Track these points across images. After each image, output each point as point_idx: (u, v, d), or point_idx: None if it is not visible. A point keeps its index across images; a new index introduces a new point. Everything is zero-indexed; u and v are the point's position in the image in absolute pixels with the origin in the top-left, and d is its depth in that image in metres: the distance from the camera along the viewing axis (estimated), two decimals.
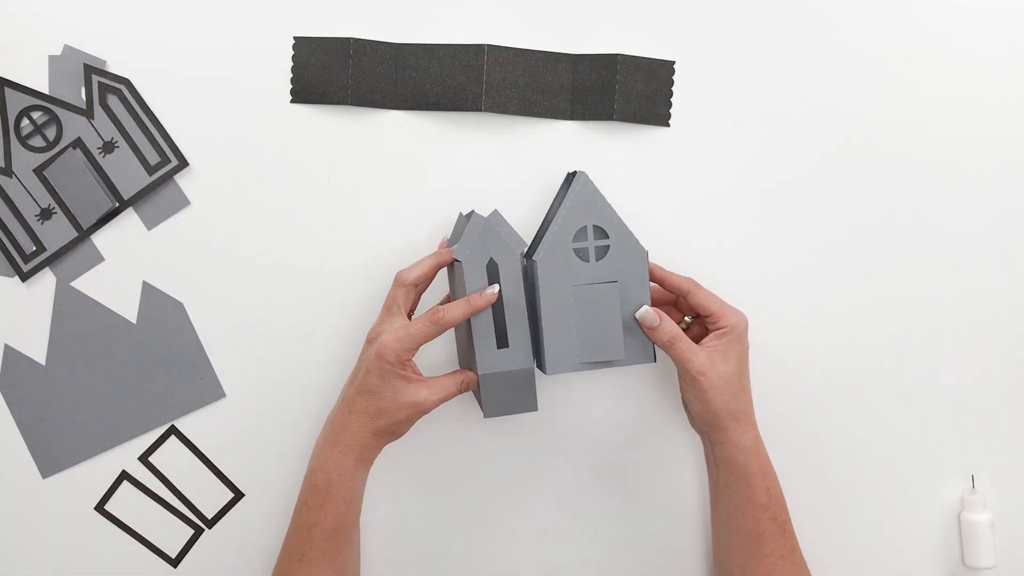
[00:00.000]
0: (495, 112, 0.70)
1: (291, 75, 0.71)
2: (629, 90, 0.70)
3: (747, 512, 0.64)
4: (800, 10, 0.70)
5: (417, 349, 0.63)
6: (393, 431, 0.65)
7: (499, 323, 0.64)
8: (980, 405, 0.72)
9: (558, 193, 0.68)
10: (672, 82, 0.71)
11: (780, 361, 0.72)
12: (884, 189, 0.71)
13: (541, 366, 0.65)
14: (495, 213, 0.64)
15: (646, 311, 0.64)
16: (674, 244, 0.71)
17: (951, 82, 0.70)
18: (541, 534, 0.73)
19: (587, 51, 0.70)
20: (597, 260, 0.64)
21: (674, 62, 0.71)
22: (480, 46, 0.70)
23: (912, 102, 0.71)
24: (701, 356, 0.63)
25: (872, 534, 0.72)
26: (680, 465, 0.72)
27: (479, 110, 0.70)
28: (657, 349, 0.65)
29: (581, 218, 0.64)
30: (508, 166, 0.71)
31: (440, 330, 0.63)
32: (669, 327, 0.64)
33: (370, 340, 0.66)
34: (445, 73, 0.70)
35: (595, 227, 0.64)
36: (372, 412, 0.63)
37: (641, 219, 0.71)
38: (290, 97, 0.71)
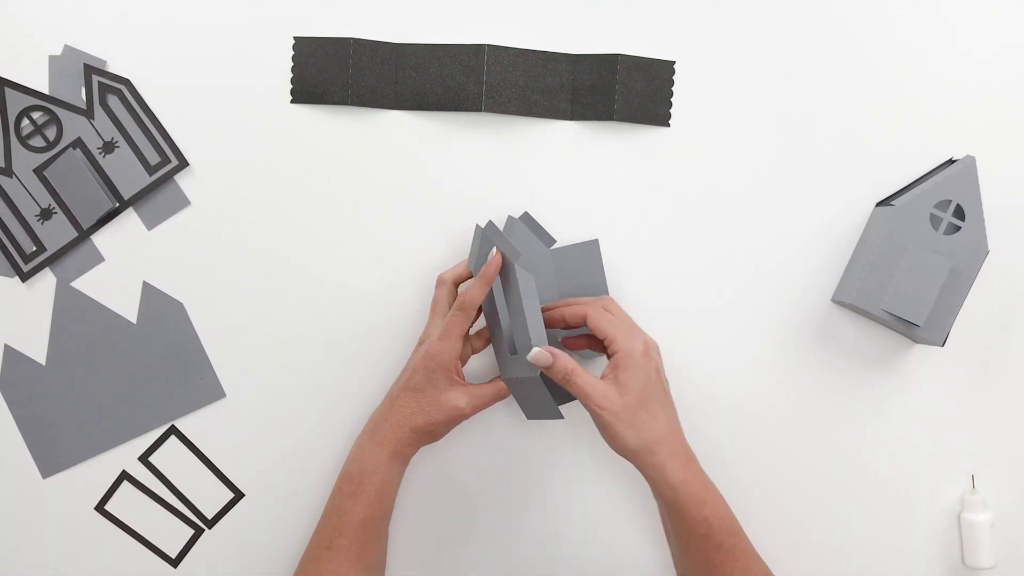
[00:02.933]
0: (495, 112, 0.70)
1: (291, 75, 0.71)
2: (629, 90, 0.70)
3: (691, 543, 0.62)
4: (800, 10, 0.70)
5: (461, 342, 0.64)
6: (431, 431, 0.66)
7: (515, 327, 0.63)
8: (980, 405, 0.72)
9: (933, 169, 0.70)
10: (672, 82, 0.71)
11: (780, 359, 0.72)
12: (884, 189, 0.71)
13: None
14: (490, 223, 0.64)
15: (537, 352, 0.59)
16: (674, 244, 0.71)
17: (952, 81, 0.70)
18: (542, 534, 0.73)
19: (587, 51, 0.70)
20: (944, 234, 0.65)
21: (674, 62, 0.71)
22: (480, 46, 0.70)
23: (913, 102, 0.70)
24: (600, 389, 0.60)
25: (872, 534, 0.72)
26: None
27: (479, 110, 0.70)
28: (950, 335, 0.66)
29: (951, 192, 0.66)
30: (508, 166, 0.71)
31: (470, 313, 0.64)
32: (564, 363, 0.60)
33: (421, 342, 0.67)
34: (445, 73, 0.70)
35: (958, 206, 0.65)
36: (413, 409, 0.65)
37: (641, 219, 0.71)
38: (290, 97, 0.71)
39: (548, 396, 0.62)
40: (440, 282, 0.68)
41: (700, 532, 0.61)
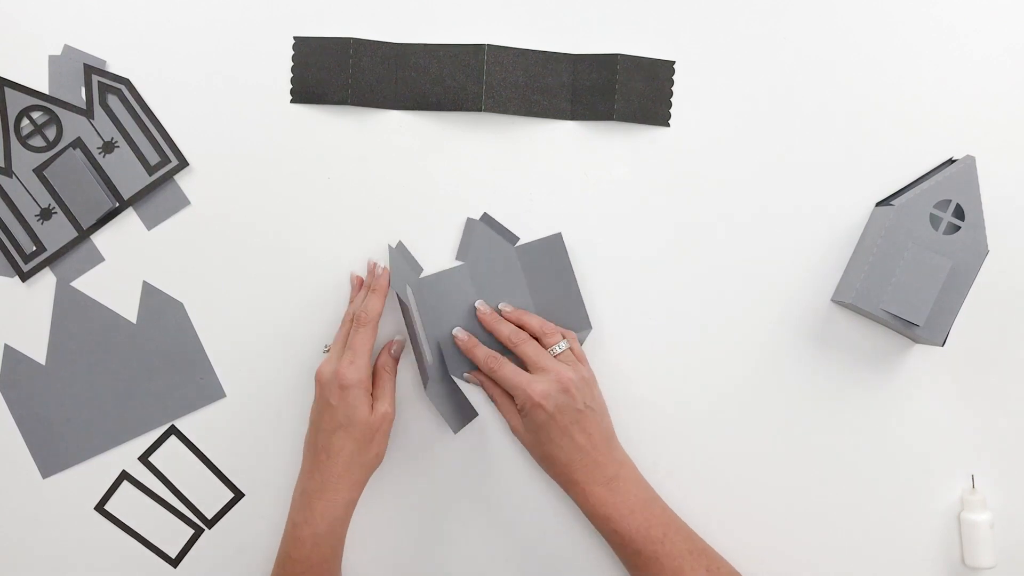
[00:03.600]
0: (495, 112, 0.70)
1: (291, 75, 0.71)
2: (629, 90, 0.70)
3: (615, 551, 0.67)
4: (801, 10, 0.70)
5: (370, 358, 0.65)
6: (378, 454, 0.66)
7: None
8: (980, 405, 0.72)
9: (933, 169, 0.70)
10: (672, 82, 0.71)
11: (780, 359, 0.72)
12: (884, 189, 0.71)
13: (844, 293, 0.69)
14: (399, 245, 0.68)
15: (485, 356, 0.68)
16: (674, 243, 0.71)
17: (952, 81, 0.70)
18: (541, 534, 0.73)
19: (587, 51, 0.70)
20: (944, 234, 0.66)
21: (674, 62, 0.71)
22: (480, 46, 0.70)
23: (912, 102, 0.70)
24: (511, 420, 0.67)
25: (872, 534, 0.72)
26: (678, 465, 0.72)
27: (479, 110, 0.70)
28: (950, 334, 0.67)
29: (951, 192, 0.66)
30: (508, 166, 0.71)
31: (374, 327, 0.66)
32: (501, 378, 0.67)
33: (320, 381, 0.65)
34: (445, 73, 0.70)
35: (958, 206, 0.66)
36: (352, 448, 0.64)
37: (641, 219, 0.71)
38: (290, 97, 0.71)
39: (461, 393, 0.69)
40: (344, 321, 0.69)
41: (615, 541, 0.66)
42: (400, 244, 0.69)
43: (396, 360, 0.70)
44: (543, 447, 0.66)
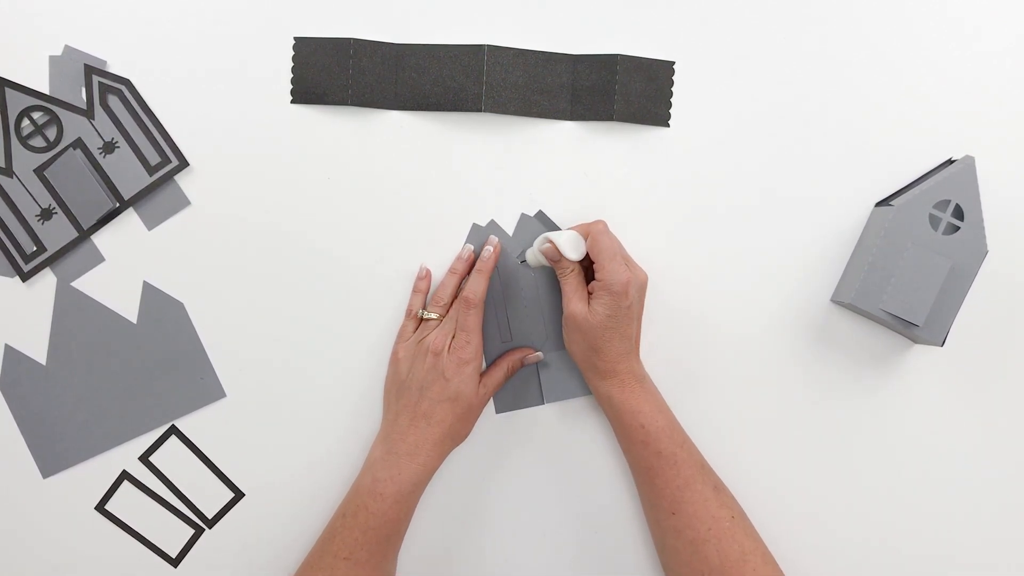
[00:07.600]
0: (495, 112, 0.70)
1: (291, 75, 0.71)
2: (629, 90, 0.70)
3: (631, 450, 0.67)
4: (801, 10, 0.70)
5: (481, 338, 0.68)
6: (466, 433, 0.69)
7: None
8: (980, 405, 0.72)
9: (933, 169, 0.70)
10: (672, 82, 0.71)
11: (780, 359, 0.72)
12: (884, 189, 0.71)
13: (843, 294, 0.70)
14: (539, 212, 0.70)
15: (549, 247, 0.66)
16: (674, 244, 0.71)
17: (951, 81, 0.70)
18: (541, 534, 0.73)
19: (587, 51, 0.71)
20: (943, 234, 0.66)
21: (674, 62, 0.71)
22: (480, 46, 0.70)
23: (911, 102, 0.71)
24: (575, 302, 0.65)
25: (870, 534, 0.72)
26: None
27: (479, 110, 0.70)
28: (949, 335, 0.67)
29: (950, 192, 0.66)
30: (508, 166, 0.71)
31: (481, 308, 0.68)
32: (569, 263, 0.66)
33: (435, 352, 0.67)
34: (445, 73, 0.70)
35: (957, 206, 0.66)
36: (452, 421, 0.67)
37: (641, 219, 0.71)
38: (290, 97, 0.71)
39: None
40: (435, 302, 0.70)
41: (638, 439, 0.66)
42: (540, 212, 0.71)
43: (521, 366, 0.71)
44: (605, 334, 0.65)
